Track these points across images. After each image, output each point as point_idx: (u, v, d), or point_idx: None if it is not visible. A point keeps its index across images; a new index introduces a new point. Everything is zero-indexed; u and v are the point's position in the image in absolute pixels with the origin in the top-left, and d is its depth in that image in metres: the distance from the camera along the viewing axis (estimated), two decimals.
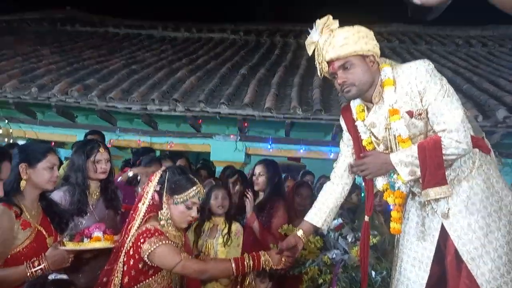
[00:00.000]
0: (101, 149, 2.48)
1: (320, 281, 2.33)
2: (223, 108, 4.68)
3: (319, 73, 1.75)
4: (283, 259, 1.80)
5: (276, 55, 7.45)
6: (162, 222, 1.84)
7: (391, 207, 1.80)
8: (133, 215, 1.86)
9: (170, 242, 1.78)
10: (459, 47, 7.90)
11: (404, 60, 6.70)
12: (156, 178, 1.89)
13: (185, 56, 7.10)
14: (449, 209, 1.63)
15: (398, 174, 1.65)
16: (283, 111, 4.63)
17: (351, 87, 1.67)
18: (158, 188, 1.86)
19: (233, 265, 1.72)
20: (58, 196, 2.26)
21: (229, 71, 6.25)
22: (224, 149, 5.10)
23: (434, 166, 1.55)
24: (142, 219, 1.82)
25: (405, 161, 1.60)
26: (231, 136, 5.13)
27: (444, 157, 1.55)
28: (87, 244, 2.08)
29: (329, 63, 1.67)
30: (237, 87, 5.40)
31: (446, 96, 1.57)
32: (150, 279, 1.78)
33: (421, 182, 1.60)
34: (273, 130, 5.24)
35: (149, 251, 1.70)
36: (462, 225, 1.62)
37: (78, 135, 4.93)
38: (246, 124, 5.05)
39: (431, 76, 1.58)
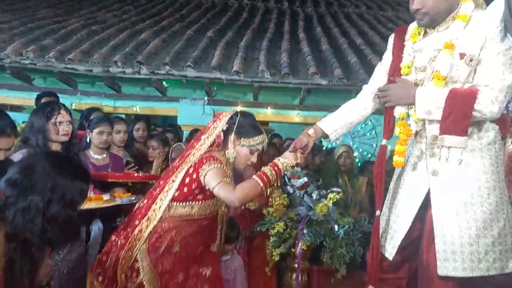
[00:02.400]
0: (62, 111, 2.41)
1: (286, 235, 2.43)
2: (190, 71, 4.57)
3: None
4: (298, 155, 1.83)
5: (244, 18, 7.27)
6: (231, 160, 1.91)
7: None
8: (194, 143, 1.93)
9: (226, 171, 1.85)
10: None
11: (371, 27, 6.74)
12: (225, 118, 1.93)
13: (149, 18, 6.79)
14: (452, 161, 1.57)
15: (415, 110, 1.59)
16: (251, 75, 4.59)
17: (424, 16, 1.59)
18: (225, 128, 1.91)
19: (259, 180, 1.76)
20: (18, 159, 2.19)
21: (195, 33, 6.05)
22: (191, 113, 5.03)
23: (461, 114, 1.48)
24: (204, 151, 1.86)
25: (430, 97, 1.54)
26: (198, 100, 5.06)
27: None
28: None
29: None
30: (204, 50, 5.26)
31: (508, 59, 1.50)
32: (196, 202, 1.85)
33: (439, 126, 1.53)
34: (241, 93, 5.20)
35: (207, 170, 1.77)
36: (447, 187, 1.57)
37: None
38: (213, 88, 4.98)
39: (507, 34, 1.52)
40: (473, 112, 1.50)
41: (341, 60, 5.08)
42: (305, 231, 2.40)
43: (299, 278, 2.48)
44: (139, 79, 4.84)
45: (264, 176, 1.77)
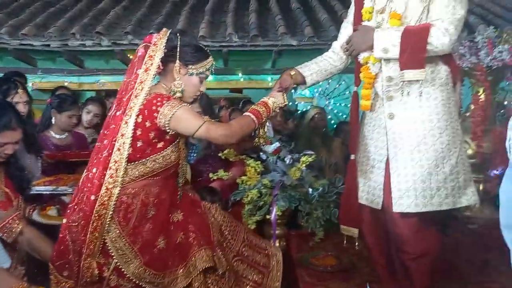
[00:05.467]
0: (20, 90, 2.30)
1: (261, 203, 2.38)
2: None
3: None
4: (284, 96, 1.75)
5: None
6: (177, 95, 1.59)
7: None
8: (132, 83, 1.55)
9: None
10: None
11: None
12: (162, 41, 1.56)
13: None
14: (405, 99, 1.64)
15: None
16: (218, 39, 4.41)
17: None
18: (163, 54, 1.55)
19: (253, 117, 1.63)
20: None
21: None
22: None
23: (417, 48, 1.56)
24: (148, 90, 1.52)
25: (386, 36, 1.61)
26: None
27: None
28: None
29: None
30: (167, 15, 5.02)
31: None
32: (157, 154, 1.57)
33: (399, 62, 1.60)
34: None
35: (171, 115, 1.49)
36: (402, 129, 1.65)
37: None
38: None
39: None
40: (427, 46, 1.57)
41: (312, 18, 4.92)
42: (278, 197, 2.35)
43: (277, 244, 2.46)
44: (102, 52, 4.60)
45: (257, 113, 1.64)
